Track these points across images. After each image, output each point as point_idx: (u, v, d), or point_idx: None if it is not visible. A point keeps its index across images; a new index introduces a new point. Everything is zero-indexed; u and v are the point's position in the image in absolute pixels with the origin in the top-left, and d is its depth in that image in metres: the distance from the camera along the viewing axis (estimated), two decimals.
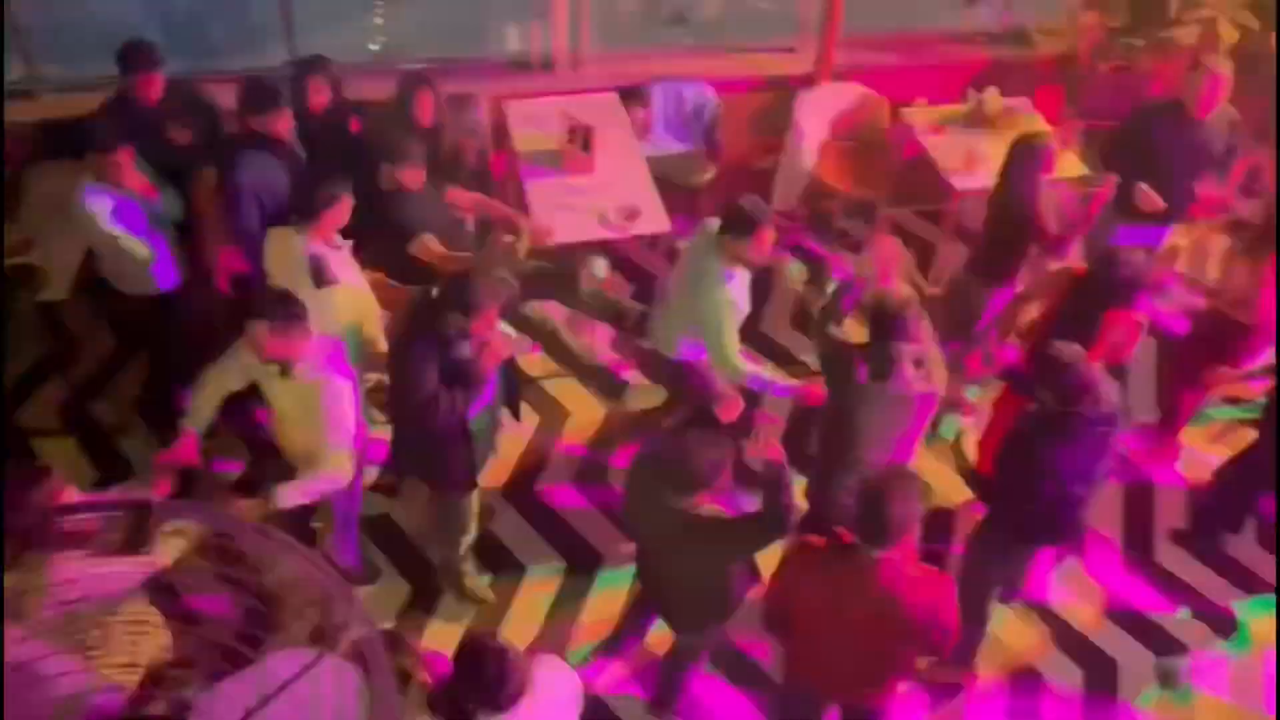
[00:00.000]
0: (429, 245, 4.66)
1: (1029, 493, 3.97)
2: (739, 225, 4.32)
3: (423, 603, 4.72)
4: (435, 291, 4.04)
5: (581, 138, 5.52)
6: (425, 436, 4.08)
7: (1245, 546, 5.13)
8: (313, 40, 5.69)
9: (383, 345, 4.51)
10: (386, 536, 4.93)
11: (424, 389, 3.90)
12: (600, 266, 5.98)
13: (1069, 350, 3.87)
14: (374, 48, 6.47)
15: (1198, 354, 5.04)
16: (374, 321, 4.51)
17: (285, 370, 3.82)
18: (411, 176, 4.64)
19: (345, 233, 4.43)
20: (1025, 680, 4.65)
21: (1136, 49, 5.91)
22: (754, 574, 4.36)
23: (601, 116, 5.72)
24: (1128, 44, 5.93)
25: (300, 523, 4.32)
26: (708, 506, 3.62)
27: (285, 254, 4.33)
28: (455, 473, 4.26)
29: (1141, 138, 5.14)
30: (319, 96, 4.99)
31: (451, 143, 5.22)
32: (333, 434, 3.83)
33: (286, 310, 3.75)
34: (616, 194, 5.45)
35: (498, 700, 2.91)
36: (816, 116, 6.20)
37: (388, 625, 4.54)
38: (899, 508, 3.25)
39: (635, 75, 6.14)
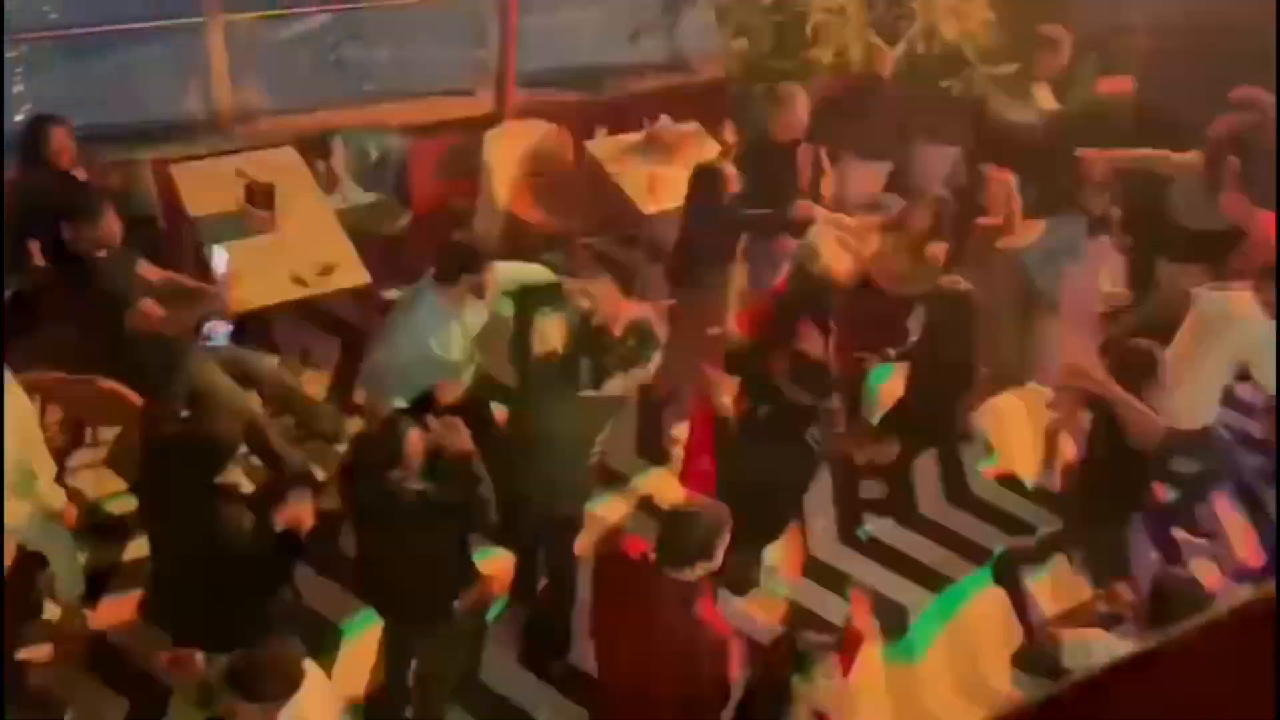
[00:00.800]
0: (149, 310, 4.30)
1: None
2: (449, 269, 4.41)
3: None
4: None
5: (261, 196, 5.30)
6: None
7: None
8: None
9: (48, 466, 4.02)
10: None
11: None
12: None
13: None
14: (18, 118, 5.91)
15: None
16: (37, 443, 3.97)
17: None
18: (105, 232, 4.25)
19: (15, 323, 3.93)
20: None
21: (782, 70, 6.40)
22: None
23: (281, 173, 5.52)
24: (774, 66, 6.42)
25: None
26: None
27: None
28: None
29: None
30: None
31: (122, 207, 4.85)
32: None
33: None
34: (308, 251, 5.26)
35: None
36: (505, 154, 6.26)
37: None
38: (701, 536, 3.33)
39: (312, 127, 5.98)
